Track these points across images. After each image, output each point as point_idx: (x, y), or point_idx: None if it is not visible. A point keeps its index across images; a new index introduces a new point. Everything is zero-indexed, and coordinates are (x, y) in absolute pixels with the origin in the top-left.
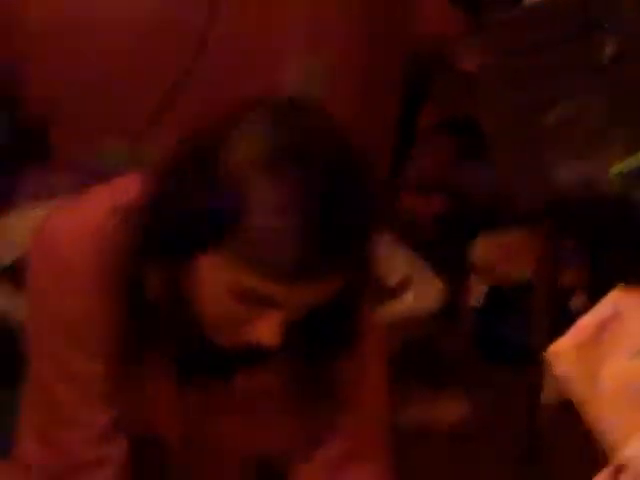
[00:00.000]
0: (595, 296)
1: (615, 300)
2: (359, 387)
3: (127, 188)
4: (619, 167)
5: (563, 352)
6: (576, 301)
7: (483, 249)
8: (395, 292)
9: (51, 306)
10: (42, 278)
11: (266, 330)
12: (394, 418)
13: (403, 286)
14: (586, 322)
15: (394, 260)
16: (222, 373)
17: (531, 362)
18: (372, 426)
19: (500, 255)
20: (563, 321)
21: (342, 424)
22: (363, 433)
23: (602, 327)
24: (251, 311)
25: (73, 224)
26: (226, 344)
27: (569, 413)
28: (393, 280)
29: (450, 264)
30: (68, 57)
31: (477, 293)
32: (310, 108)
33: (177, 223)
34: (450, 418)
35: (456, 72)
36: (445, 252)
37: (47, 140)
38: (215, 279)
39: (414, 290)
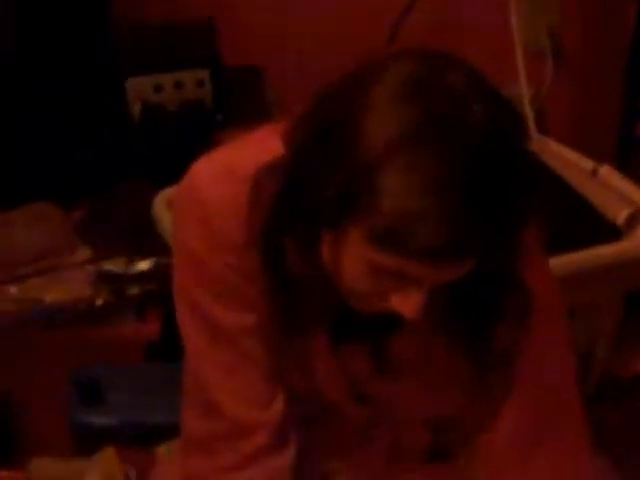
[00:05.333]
0: None
1: None
2: (532, 355)
3: (271, 144)
4: None
5: None
6: None
7: None
8: (624, 230)
9: (196, 256)
10: (184, 224)
11: (407, 304)
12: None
13: (632, 222)
14: None
15: (618, 194)
16: (374, 339)
17: None
18: (553, 397)
19: None
20: None
21: (519, 395)
22: (543, 406)
23: None
24: (391, 286)
25: (217, 171)
26: (369, 313)
27: None
28: (620, 217)
29: None
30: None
31: None
32: (456, 69)
33: (308, 202)
34: None
35: None
36: None
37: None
38: (354, 255)
39: None
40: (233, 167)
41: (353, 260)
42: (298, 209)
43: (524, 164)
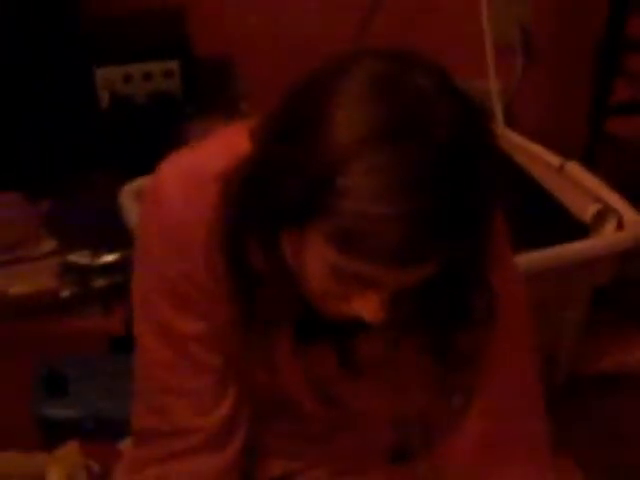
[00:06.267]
0: None
1: None
2: (496, 357)
3: (238, 144)
4: None
5: None
6: None
7: None
8: (591, 227)
9: (154, 260)
10: (146, 227)
11: (368, 307)
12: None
13: (599, 219)
14: None
15: (585, 191)
16: (339, 339)
17: None
18: (517, 401)
19: None
20: None
21: (483, 398)
22: (508, 404)
23: None
24: (352, 288)
25: (182, 175)
26: (332, 315)
27: None
28: (587, 214)
29: None
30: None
31: None
32: (422, 69)
33: (272, 201)
34: None
35: None
36: None
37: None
38: (316, 257)
39: (613, 222)
40: (199, 170)
41: (315, 261)
42: (262, 208)
43: (490, 165)
